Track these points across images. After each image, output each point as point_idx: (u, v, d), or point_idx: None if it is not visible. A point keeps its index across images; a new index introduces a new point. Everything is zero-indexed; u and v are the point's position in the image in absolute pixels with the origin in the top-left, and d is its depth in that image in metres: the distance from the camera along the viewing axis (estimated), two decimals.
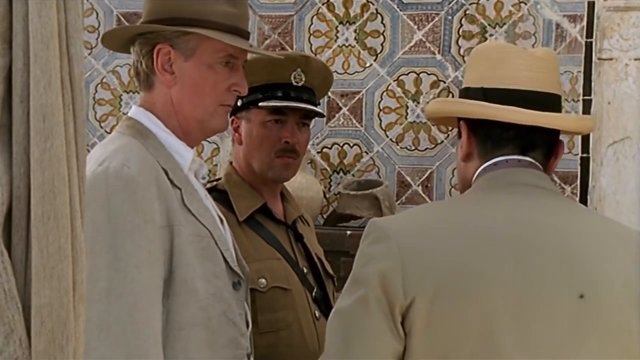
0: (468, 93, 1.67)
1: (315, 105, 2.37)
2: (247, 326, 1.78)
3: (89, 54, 3.42)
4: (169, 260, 1.62)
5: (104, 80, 3.44)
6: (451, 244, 1.50)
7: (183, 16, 1.72)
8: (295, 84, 2.33)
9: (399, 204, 3.16)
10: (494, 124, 1.62)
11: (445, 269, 1.48)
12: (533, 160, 1.63)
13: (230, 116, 2.34)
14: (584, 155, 2.91)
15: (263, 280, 2.20)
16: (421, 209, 1.73)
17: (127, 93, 3.41)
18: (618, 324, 1.50)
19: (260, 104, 2.29)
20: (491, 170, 1.62)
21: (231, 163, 2.40)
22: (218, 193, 2.28)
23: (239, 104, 2.31)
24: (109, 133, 1.81)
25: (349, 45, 3.22)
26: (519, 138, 1.62)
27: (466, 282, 1.47)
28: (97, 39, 3.43)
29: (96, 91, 3.44)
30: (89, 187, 1.57)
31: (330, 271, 2.41)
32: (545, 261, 1.49)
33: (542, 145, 1.64)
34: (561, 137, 1.70)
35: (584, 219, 1.60)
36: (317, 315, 2.27)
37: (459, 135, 1.70)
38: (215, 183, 2.37)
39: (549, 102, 1.64)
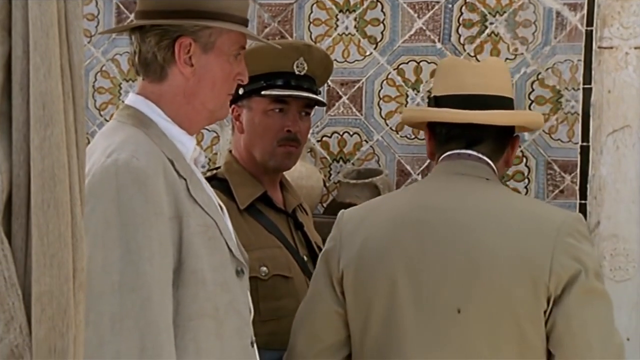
0: (429, 101, 2.01)
1: (317, 94, 2.38)
2: (250, 314, 1.79)
3: (89, 42, 3.41)
4: (177, 251, 1.63)
5: (104, 69, 3.43)
6: (374, 226, 1.88)
7: (203, 9, 1.75)
8: (297, 72, 2.33)
9: None
10: (442, 124, 1.93)
11: (364, 248, 1.87)
12: (474, 153, 1.90)
13: (231, 105, 2.34)
14: (584, 144, 2.91)
15: (264, 269, 2.20)
16: (377, 199, 2.08)
17: (127, 81, 3.40)
18: (502, 287, 1.76)
19: (262, 92, 2.29)
20: (440, 162, 1.94)
21: (230, 151, 2.40)
22: (218, 181, 2.28)
23: (240, 92, 2.30)
24: (109, 121, 1.81)
25: (349, 33, 3.22)
26: (464, 135, 1.91)
27: (377, 257, 1.84)
28: (96, 27, 3.42)
29: (96, 79, 3.44)
30: (98, 180, 1.59)
31: None
32: (438, 237, 1.81)
33: (489, 140, 1.91)
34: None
35: (492, 201, 1.86)
36: None
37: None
38: (215, 171, 2.37)
39: (492, 102, 1.91)
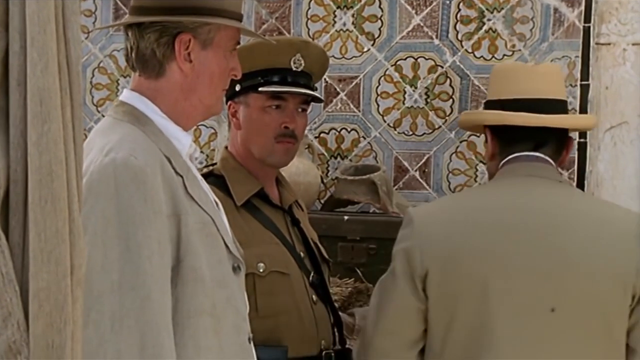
0: (489, 105, 2.09)
1: (313, 90, 2.38)
2: (246, 310, 1.79)
3: (86, 38, 3.41)
4: (176, 249, 1.63)
5: (101, 65, 3.43)
6: (457, 226, 1.95)
7: (201, 5, 1.76)
8: (294, 69, 2.33)
9: (396, 189, 3.16)
10: (509, 127, 2.01)
11: (451, 247, 1.92)
12: (541, 155, 2.00)
13: (228, 101, 2.34)
14: (582, 140, 2.91)
15: (262, 265, 2.20)
16: (446, 198, 2.23)
17: (125, 77, 3.40)
18: (593, 286, 1.87)
19: (260, 89, 2.29)
20: (507, 164, 2.01)
21: (227, 148, 2.40)
22: (215, 178, 2.28)
23: (237, 88, 2.30)
24: (104, 118, 1.81)
25: (347, 29, 3.22)
26: (531, 137, 2.00)
27: (466, 256, 1.91)
28: (93, 22, 3.42)
29: (93, 75, 3.43)
30: (97, 179, 1.59)
31: (326, 256, 2.42)
32: (528, 238, 1.89)
33: (552, 142, 2.02)
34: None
35: (573, 203, 1.97)
36: (314, 299, 2.28)
37: (485, 139, 2.10)
38: (211, 168, 2.37)
39: (553, 105, 2.02)
